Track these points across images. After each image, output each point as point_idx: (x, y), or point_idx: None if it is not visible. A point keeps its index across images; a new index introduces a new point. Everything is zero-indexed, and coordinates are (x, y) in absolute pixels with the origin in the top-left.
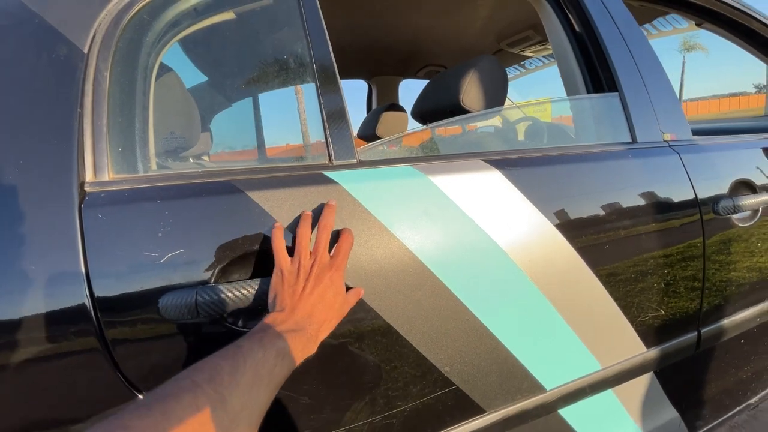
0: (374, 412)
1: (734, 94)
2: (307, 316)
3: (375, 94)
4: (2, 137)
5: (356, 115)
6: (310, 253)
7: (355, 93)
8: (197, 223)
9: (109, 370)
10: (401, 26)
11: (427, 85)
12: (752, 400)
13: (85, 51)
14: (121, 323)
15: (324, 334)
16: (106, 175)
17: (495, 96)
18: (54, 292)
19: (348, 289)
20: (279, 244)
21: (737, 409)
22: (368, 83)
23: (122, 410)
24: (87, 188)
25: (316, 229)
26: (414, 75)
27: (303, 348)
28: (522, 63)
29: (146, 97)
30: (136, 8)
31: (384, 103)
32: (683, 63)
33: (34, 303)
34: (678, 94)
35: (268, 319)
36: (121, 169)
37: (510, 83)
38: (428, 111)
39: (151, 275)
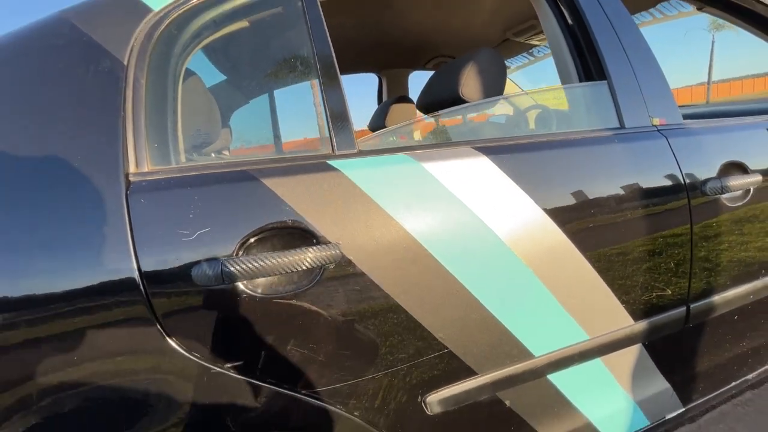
0: (377, 369)
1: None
2: None
3: (385, 87)
4: (64, 138)
5: (368, 108)
6: None
7: (366, 86)
8: (221, 206)
9: (151, 321)
10: (409, 18)
11: (430, 79)
12: (749, 376)
13: (125, 62)
14: (163, 289)
15: None
16: (146, 167)
17: (493, 86)
18: (106, 266)
19: None
20: None
21: (733, 384)
22: (378, 76)
23: None
24: (131, 178)
25: None
26: (423, 66)
27: None
28: (530, 51)
29: (175, 101)
30: (165, 23)
31: (394, 95)
32: (712, 43)
33: (90, 274)
34: (707, 76)
35: None
36: (157, 162)
37: (520, 71)
38: (431, 103)
39: (185, 249)
